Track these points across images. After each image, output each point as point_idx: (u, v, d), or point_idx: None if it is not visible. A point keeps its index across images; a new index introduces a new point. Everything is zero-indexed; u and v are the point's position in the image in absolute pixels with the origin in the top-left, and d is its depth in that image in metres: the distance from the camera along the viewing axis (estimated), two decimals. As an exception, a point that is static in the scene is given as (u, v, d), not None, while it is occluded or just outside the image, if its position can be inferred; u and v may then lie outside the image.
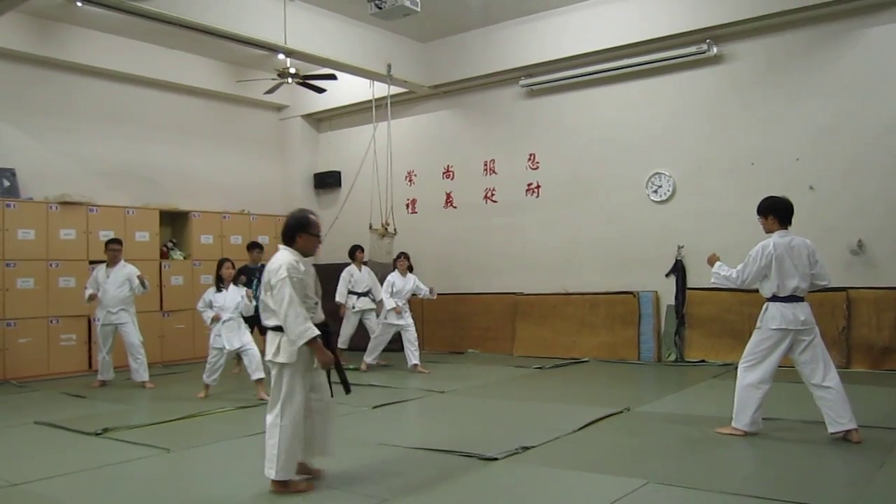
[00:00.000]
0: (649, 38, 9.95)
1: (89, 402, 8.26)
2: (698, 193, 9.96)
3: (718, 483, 4.49)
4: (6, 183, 10.29)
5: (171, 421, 6.98)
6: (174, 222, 12.13)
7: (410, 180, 12.82)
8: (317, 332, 4.49)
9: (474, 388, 8.61)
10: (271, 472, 4.54)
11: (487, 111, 12.06)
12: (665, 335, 10.13)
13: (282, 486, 4.58)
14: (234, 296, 8.16)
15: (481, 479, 4.84)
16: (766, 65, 9.55)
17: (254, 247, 10.20)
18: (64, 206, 10.48)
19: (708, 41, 9.66)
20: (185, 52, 12.11)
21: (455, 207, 12.40)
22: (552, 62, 10.90)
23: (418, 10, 8.64)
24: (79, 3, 9.00)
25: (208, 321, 8.19)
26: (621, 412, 6.74)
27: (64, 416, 7.30)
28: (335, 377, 4.80)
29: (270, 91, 11.48)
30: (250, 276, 9.46)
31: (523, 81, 11.36)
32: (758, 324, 6.01)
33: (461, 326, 11.83)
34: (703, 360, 9.67)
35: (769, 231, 6.17)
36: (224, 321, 8.10)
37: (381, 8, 8.56)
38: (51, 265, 10.28)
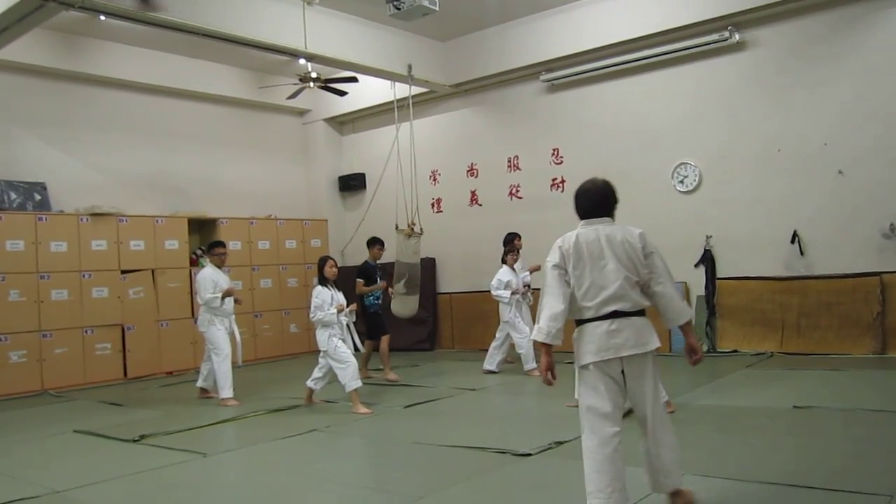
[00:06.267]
0: (670, 27, 9.86)
1: (126, 410, 8.38)
2: (725, 182, 9.86)
3: (755, 473, 4.45)
4: (37, 197, 10.46)
5: (206, 426, 7.07)
6: (202, 230, 12.26)
7: (435, 179, 12.84)
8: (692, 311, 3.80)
9: (504, 385, 8.62)
10: (679, 481, 3.87)
11: (509, 107, 12.04)
12: (696, 326, 10.05)
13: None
14: (340, 297, 7.65)
15: (516, 475, 4.85)
16: (789, 50, 9.43)
17: (375, 242, 9.77)
18: (94, 217, 10.64)
19: (730, 28, 9.56)
20: (208, 61, 12.23)
21: (480, 205, 12.40)
22: (572, 56, 10.84)
23: (437, 9, 8.64)
24: (101, 17, 9.12)
25: (334, 317, 7.43)
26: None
27: (102, 423, 7.42)
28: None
29: (293, 96, 11.56)
30: (374, 274, 9.44)
31: (544, 76, 11.32)
32: None
33: (490, 324, 11.79)
34: (735, 350, 9.58)
35: None
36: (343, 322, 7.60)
37: (399, 9, 8.58)
38: (83, 276, 10.43)
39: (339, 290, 7.75)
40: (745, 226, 9.64)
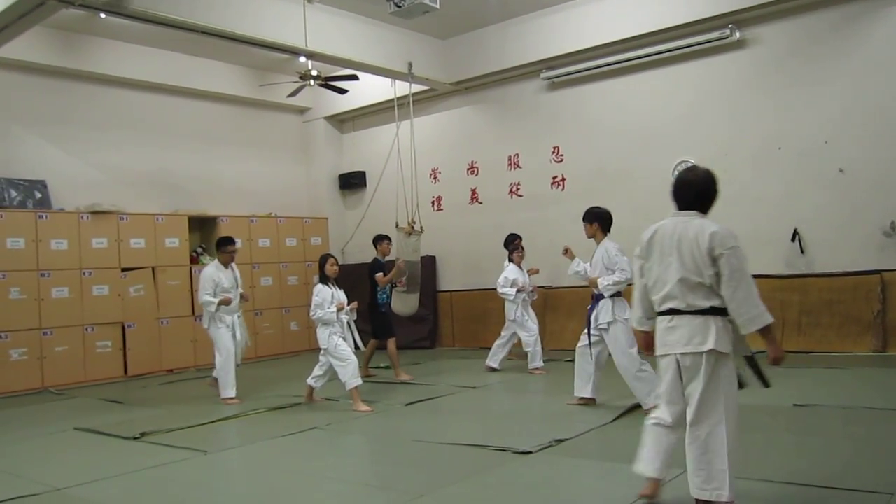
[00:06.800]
0: (671, 25, 9.85)
1: (127, 408, 8.38)
2: (725, 180, 9.59)
3: (754, 470, 4.44)
4: (38, 194, 10.46)
5: (206, 423, 7.07)
6: (203, 228, 12.26)
7: (435, 177, 12.84)
8: (772, 317, 3.63)
9: (505, 383, 8.62)
10: (722, 494, 3.62)
11: (510, 105, 12.04)
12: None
13: None
14: (341, 295, 7.66)
15: (516, 472, 4.85)
16: (789, 48, 9.42)
17: (383, 238, 9.70)
18: (95, 215, 10.64)
19: (730, 26, 9.55)
20: (208, 59, 12.23)
21: (481, 203, 12.40)
22: (573, 54, 10.84)
23: (437, 6, 8.63)
24: (102, 15, 9.11)
25: (334, 316, 7.42)
26: (656, 404, 6.70)
27: (102, 421, 7.42)
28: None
29: (293, 94, 11.55)
30: (384, 269, 9.34)
31: (544, 74, 11.31)
32: (616, 317, 6.61)
33: (490, 322, 11.81)
34: (735, 348, 9.57)
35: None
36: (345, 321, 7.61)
37: (400, 6, 8.57)
38: (84, 274, 10.43)
39: (340, 287, 7.75)
40: (745, 224, 9.56)
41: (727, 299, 3.62)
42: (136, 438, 6.50)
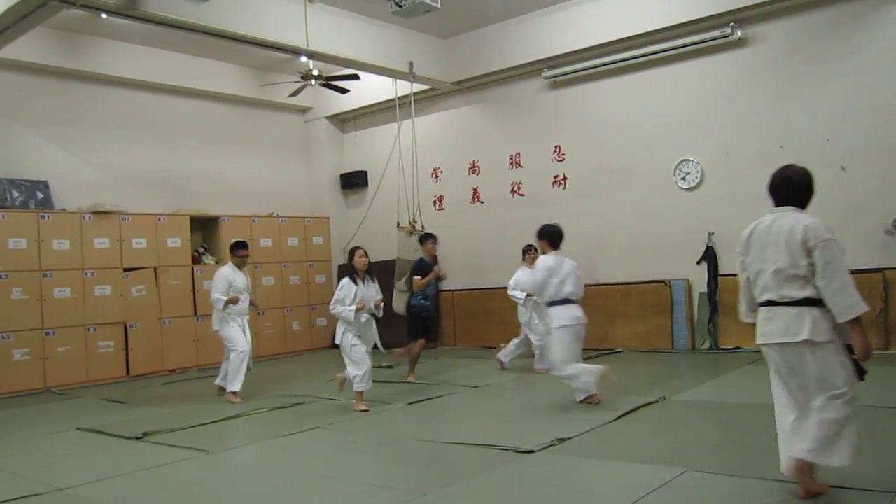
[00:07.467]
0: (673, 23, 9.85)
1: (129, 408, 8.38)
2: (727, 179, 9.84)
3: (757, 469, 4.44)
4: (40, 195, 10.47)
5: (209, 423, 7.07)
6: (204, 228, 12.26)
7: (436, 177, 12.83)
8: (867, 306, 3.75)
9: (507, 383, 8.62)
10: (831, 461, 3.81)
11: (511, 104, 12.03)
12: (698, 323, 10.04)
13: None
14: (372, 290, 7.33)
15: (518, 471, 4.85)
16: (791, 46, 9.42)
17: (428, 238, 9.41)
18: (97, 215, 10.64)
19: (732, 24, 9.55)
20: (209, 59, 12.23)
21: (482, 202, 12.39)
22: (574, 53, 10.84)
23: (438, 6, 8.62)
24: (103, 16, 9.12)
25: (352, 316, 7.09)
26: (657, 401, 6.71)
27: (105, 421, 7.43)
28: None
29: (294, 94, 11.55)
30: (427, 271, 9.08)
31: (546, 73, 11.31)
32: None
33: (492, 321, 11.82)
34: (738, 347, 9.57)
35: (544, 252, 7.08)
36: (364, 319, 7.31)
37: (401, 6, 8.57)
38: (86, 274, 10.44)
39: (373, 279, 7.41)
40: (747, 222, 9.40)
41: (822, 290, 3.73)
42: (138, 438, 6.50)
